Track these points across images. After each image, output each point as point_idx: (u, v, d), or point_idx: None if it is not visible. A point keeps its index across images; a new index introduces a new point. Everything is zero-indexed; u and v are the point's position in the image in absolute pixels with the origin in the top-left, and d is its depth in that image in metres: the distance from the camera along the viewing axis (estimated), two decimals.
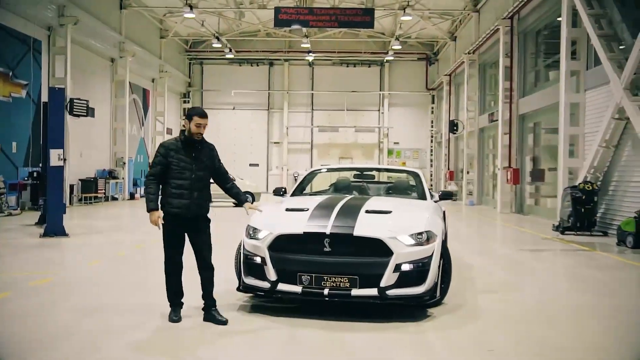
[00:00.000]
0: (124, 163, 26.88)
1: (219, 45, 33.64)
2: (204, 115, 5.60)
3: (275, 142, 38.64)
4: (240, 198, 6.10)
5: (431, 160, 38.25)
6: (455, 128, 29.16)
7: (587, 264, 9.94)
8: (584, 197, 13.81)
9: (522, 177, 21.16)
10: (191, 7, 25.67)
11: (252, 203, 6.18)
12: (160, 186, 5.60)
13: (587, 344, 5.28)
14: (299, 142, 38.47)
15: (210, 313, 5.65)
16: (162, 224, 5.56)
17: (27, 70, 19.91)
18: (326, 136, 38.41)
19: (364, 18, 21.53)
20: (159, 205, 5.56)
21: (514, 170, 20.87)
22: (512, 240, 13.85)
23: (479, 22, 27.08)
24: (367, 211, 6.16)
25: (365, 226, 5.81)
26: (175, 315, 5.64)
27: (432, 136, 38.38)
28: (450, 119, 31.44)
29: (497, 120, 23.12)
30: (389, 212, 6.23)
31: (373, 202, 6.65)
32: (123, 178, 26.59)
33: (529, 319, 6.09)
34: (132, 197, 27.38)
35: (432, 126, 38.32)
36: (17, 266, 8.96)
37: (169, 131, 33.79)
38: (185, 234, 5.68)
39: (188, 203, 5.55)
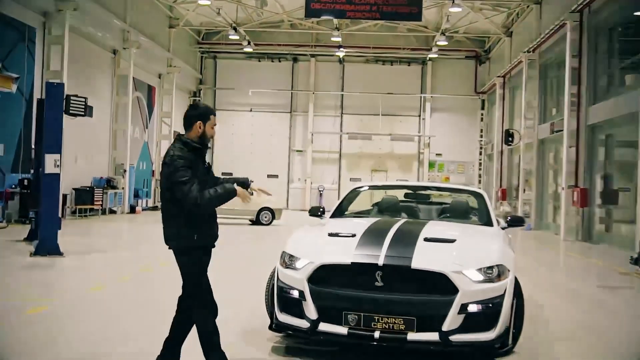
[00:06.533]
0: (125, 170, 26.98)
1: (236, 37, 33.78)
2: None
3: (298, 151, 38.63)
4: (239, 180, 5.39)
5: (479, 176, 37.90)
6: (510, 139, 28.85)
7: None
8: None
9: (591, 199, 20.79)
10: None
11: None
12: (172, 215, 5.02)
13: None
14: (326, 150, 38.41)
15: None
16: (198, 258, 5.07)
17: (19, 62, 20.07)
18: (357, 145, 38.30)
19: (410, 9, 21.33)
20: (186, 238, 4.96)
21: (581, 190, 20.51)
22: (583, 274, 13.53)
23: (540, 16, 26.82)
24: (426, 239, 6.00)
25: (425, 257, 5.65)
26: None
27: (481, 147, 38.06)
28: (505, 127, 31.13)
29: (560, 130, 22.80)
30: (453, 240, 6.07)
31: (432, 228, 6.49)
32: (123, 188, 26.68)
33: None
34: (132, 210, 27.46)
35: (481, 136, 38.02)
36: (7, 291, 8.93)
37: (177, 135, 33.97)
38: None
39: (216, 229, 5.22)
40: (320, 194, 37.68)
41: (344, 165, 38.57)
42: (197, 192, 4.79)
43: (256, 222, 22.85)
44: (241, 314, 7.64)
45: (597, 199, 20.91)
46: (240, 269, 12.05)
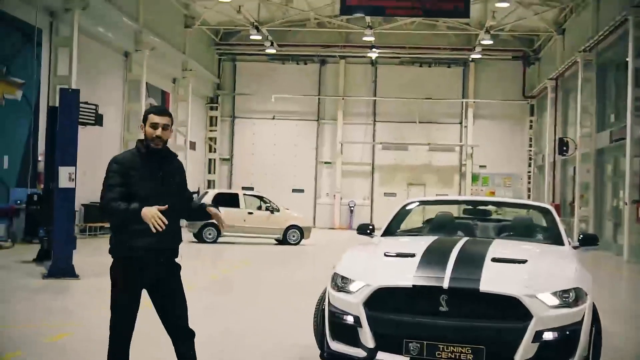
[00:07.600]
0: None
1: (258, 38, 33.92)
2: (163, 112, 5.18)
3: (325, 162, 38.75)
4: (202, 206, 5.51)
5: (529, 190, 37.71)
6: (564, 148, 28.75)
7: None
8: None
9: None
10: None
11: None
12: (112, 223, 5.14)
13: None
14: (357, 162, 38.52)
15: None
16: (122, 273, 5.11)
17: (25, 66, 20.37)
18: (391, 156, 38.36)
19: (456, 4, 21.36)
20: (112, 246, 5.09)
21: None
22: None
23: (597, 10, 26.73)
24: (493, 259, 6.02)
25: (494, 279, 5.67)
26: None
27: (530, 158, 37.92)
28: (558, 136, 31.01)
29: (622, 139, 22.71)
30: (524, 261, 6.08)
31: (499, 248, 6.53)
32: None
33: None
34: None
35: (530, 145, 37.88)
36: (23, 316, 9.09)
37: (192, 145, 34.18)
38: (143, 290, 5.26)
39: (157, 240, 5.00)
40: (351, 211, 37.69)
41: (376, 178, 38.60)
42: (108, 199, 4.85)
43: (283, 241, 22.98)
44: (286, 344, 7.73)
45: None
46: (275, 295, 12.12)
